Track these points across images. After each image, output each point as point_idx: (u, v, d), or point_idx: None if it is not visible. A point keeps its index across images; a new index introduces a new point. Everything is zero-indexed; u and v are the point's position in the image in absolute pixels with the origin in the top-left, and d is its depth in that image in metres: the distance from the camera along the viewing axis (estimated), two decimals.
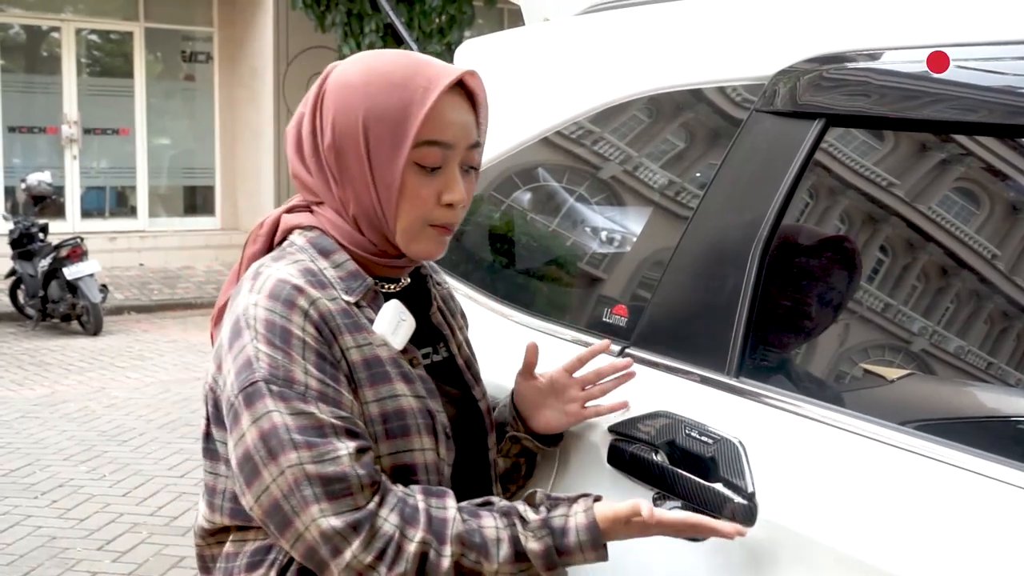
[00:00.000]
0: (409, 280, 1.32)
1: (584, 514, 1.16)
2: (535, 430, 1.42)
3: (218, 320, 1.27)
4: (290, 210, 1.29)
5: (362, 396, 1.18)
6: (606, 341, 1.41)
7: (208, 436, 1.25)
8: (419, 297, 1.33)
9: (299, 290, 1.16)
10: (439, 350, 1.33)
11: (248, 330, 1.14)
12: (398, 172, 1.19)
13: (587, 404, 1.40)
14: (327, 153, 1.22)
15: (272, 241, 1.29)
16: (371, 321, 1.21)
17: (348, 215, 1.24)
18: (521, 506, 1.18)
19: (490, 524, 1.15)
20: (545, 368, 1.41)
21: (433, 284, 1.38)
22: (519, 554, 1.14)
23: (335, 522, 1.08)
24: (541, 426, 1.41)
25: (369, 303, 1.23)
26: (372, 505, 1.10)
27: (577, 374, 1.41)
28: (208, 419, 1.24)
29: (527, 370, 1.41)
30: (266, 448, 1.10)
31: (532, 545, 1.14)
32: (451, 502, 1.16)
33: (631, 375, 1.38)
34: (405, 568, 1.09)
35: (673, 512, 1.16)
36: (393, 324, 1.22)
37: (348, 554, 1.08)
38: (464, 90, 1.24)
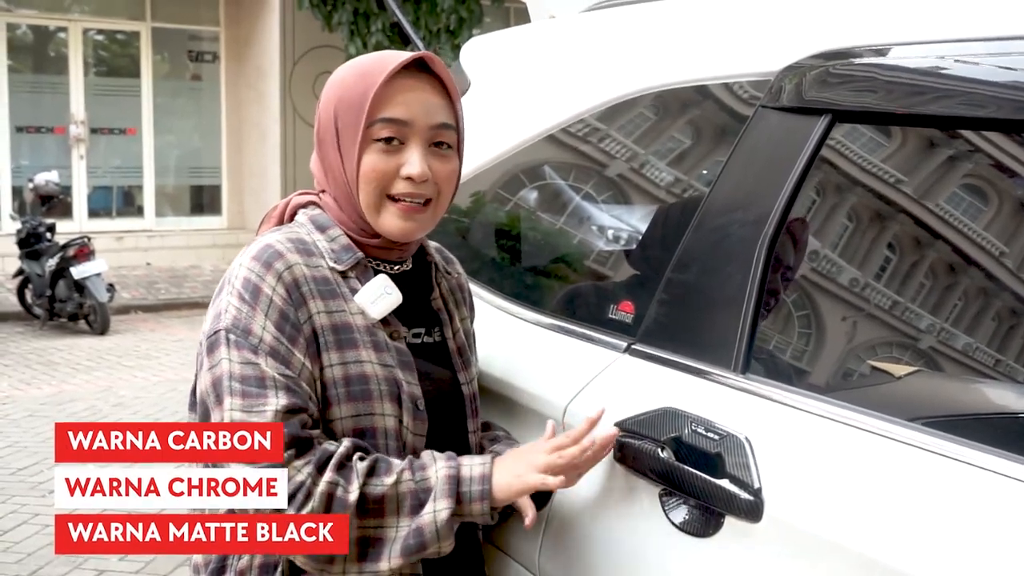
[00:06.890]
0: (410, 266, 1.40)
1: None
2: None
3: None
4: (301, 195, 1.42)
5: (327, 359, 1.26)
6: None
7: (195, 391, 1.34)
8: (421, 282, 1.42)
9: (279, 255, 1.27)
10: (432, 333, 1.41)
11: (228, 285, 1.26)
12: (358, 150, 1.28)
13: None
14: (316, 144, 1.37)
15: (282, 220, 1.41)
16: (355, 291, 1.30)
17: (332, 196, 1.36)
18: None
19: (398, 461, 1.24)
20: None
21: (440, 273, 1.46)
22: (417, 464, 1.23)
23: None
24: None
25: (359, 275, 1.32)
26: (285, 458, 1.18)
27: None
28: (197, 374, 1.34)
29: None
30: (215, 393, 1.22)
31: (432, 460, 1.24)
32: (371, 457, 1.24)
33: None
34: (312, 507, 1.18)
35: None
36: (374, 296, 1.31)
37: None
38: (433, 76, 1.32)
